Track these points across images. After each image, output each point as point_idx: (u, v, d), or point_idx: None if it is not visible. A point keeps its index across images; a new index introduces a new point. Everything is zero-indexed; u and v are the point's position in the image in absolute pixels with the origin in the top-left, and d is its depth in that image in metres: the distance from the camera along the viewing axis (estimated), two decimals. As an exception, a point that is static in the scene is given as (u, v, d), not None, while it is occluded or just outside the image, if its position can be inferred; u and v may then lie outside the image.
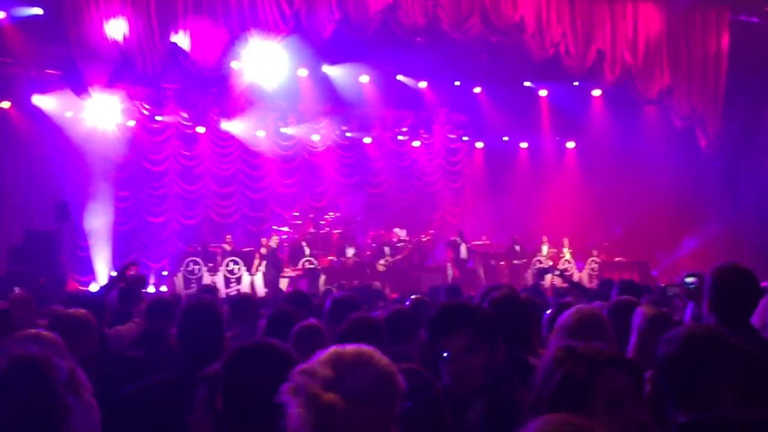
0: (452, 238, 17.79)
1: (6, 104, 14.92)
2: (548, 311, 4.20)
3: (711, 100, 16.51)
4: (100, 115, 15.89)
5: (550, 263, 17.51)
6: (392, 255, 17.06)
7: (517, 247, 18.16)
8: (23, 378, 2.01)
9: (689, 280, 3.70)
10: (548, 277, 15.04)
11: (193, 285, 15.13)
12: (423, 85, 18.76)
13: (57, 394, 2.04)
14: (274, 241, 16.35)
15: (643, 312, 3.51)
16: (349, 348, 1.70)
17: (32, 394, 1.99)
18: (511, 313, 3.30)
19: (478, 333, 2.61)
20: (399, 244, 17.43)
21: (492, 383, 2.49)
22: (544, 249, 18.34)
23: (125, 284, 6.17)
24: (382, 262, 16.85)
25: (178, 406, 2.81)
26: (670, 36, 16.13)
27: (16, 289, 9.35)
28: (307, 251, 16.62)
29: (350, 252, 16.97)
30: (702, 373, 2.21)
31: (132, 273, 6.31)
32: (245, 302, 5.19)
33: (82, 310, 3.93)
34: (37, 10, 13.02)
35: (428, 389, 2.53)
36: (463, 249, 17.59)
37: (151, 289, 15.88)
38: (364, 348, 1.72)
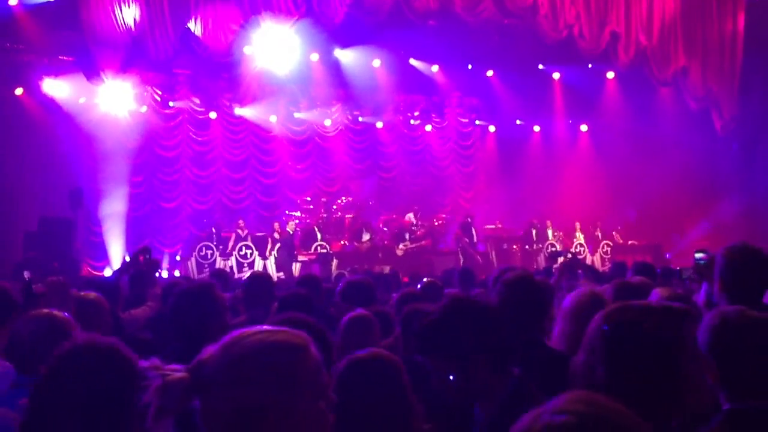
0: (464, 220, 17.73)
1: (19, 91, 14.98)
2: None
3: (726, 81, 16.36)
4: (112, 101, 15.91)
5: (559, 247, 17.43)
6: (411, 241, 17.06)
7: (535, 232, 18.07)
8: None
9: (699, 255, 3.68)
10: (560, 260, 14.96)
11: (206, 269, 15.20)
12: (435, 68, 18.68)
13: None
14: (290, 226, 16.39)
15: (660, 293, 3.49)
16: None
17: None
18: (525, 295, 3.29)
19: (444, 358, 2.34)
20: (414, 228, 17.43)
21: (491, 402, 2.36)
22: (549, 233, 18.24)
23: (138, 269, 6.18)
24: (401, 246, 16.86)
25: None
26: (685, 17, 15.96)
27: (26, 274, 9.44)
28: (319, 236, 16.64)
29: (366, 236, 16.97)
30: (757, 362, 2.21)
31: (144, 258, 6.29)
32: (260, 284, 5.14)
33: (94, 294, 3.95)
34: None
35: (392, 378, 2.41)
36: (474, 232, 17.56)
37: (164, 273, 15.99)
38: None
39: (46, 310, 2.87)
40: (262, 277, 5.58)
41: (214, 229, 16.54)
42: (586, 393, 1.13)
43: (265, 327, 1.58)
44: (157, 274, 7.04)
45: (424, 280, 5.87)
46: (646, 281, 4.34)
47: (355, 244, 16.95)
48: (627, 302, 1.89)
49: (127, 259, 15.60)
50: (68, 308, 3.41)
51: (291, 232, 16.30)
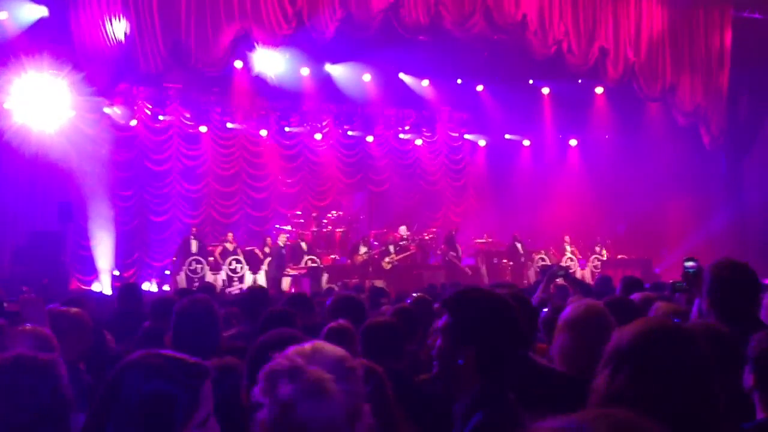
0: (447, 235, 17.74)
1: (8, 104, 14.90)
2: (545, 310, 4.18)
3: (714, 97, 16.49)
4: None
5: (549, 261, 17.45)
6: (397, 253, 17.04)
7: (519, 245, 18.12)
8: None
9: (688, 264, 3.69)
10: (559, 281, 14.94)
11: (195, 284, 15.13)
12: (425, 83, 18.76)
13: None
14: (282, 240, 16.34)
15: (659, 307, 3.51)
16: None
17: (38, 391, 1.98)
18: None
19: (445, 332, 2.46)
20: (402, 242, 17.42)
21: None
22: (567, 249, 18.33)
23: (126, 283, 6.16)
24: (387, 260, 16.84)
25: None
26: (673, 33, 16.10)
27: (25, 288, 9.38)
28: (305, 248, 16.59)
29: (363, 250, 16.93)
30: None
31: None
32: (256, 298, 5.13)
33: (76, 309, 3.94)
34: (42, 10, 13.02)
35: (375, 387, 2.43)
36: (459, 247, 17.58)
37: (153, 287, 15.92)
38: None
39: (29, 327, 2.85)
40: (260, 290, 5.57)
41: (193, 238, 16.27)
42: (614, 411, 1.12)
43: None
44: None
45: (414, 295, 5.86)
46: (649, 296, 4.37)
47: (355, 257, 16.89)
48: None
49: (116, 273, 15.61)
50: (42, 325, 3.38)
51: (282, 245, 16.25)
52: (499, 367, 2.39)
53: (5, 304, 4.21)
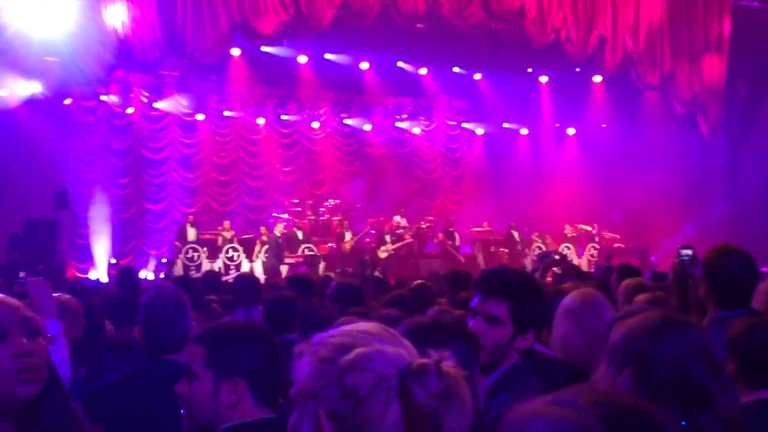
0: (445, 224, 17.75)
1: (5, 92, 14.84)
2: None
3: (712, 85, 16.45)
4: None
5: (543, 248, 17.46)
6: (393, 242, 17.04)
7: (516, 233, 18.11)
8: None
9: (684, 252, 3.65)
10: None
11: (192, 271, 15.13)
12: (423, 71, 18.69)
13: None
14: (279, 229, 16.33)
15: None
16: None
17: None
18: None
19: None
20: (399, 231, 17.41)
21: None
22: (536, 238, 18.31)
23: (125, 268, 6.15)
24: (383, 248, 16.84)
25: (142, 401, 2.76)
26: (672, 21, 16.05)
27: (21, 274, 9.35)
28: (300, 236, 16.57)
29: (348, 237, 16.95)
30: None
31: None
32: (248, 285, 5.12)
33: (68, 296, 3.94)
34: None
35: None
36: (457, 236, 17.58)
37: (150, 275, 15.90)
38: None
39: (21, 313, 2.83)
40: (248, 278, 5.55)
41: (190, 226, 16.23)
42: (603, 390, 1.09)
43: None
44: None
45: (418, 282, 5.84)
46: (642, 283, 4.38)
47: (340, 245, 16.94)
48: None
49: (113, 261, 15.59)
50: (49, 308, 3.37)
51: (279, 234, 16.24)
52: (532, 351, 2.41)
53: (15, 286, 4.21)
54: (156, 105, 17.43)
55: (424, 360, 1.34)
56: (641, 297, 3.68)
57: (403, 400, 1.32)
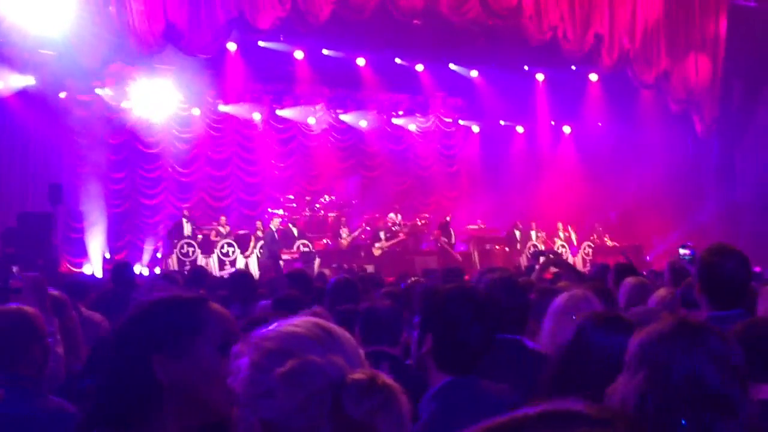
0: (442, 221, 17.74)
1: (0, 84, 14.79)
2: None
3: (708, 84, 16.49)
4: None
5: (543, 247, 17.48)
6: (387, 239, 17.03)
7: (518, 233, 18.10)
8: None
9: (683, 252, 3.65)
10: (542, 259, 15.00)
11: (186, 266, 15.09)
12: (420, 68, 18.68)
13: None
14: (274, 224, 16.31)
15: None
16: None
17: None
18: (507, 296, 3.28)
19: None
20: (394, 228, 17.41)
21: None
22: (533, 234, 18.27)
23: (118, 263, 6.13)
24: (378, 245, 16.84)
25: None
26: (669, 20, 16.07)
27: (15, 269, 9.31)
28: (296, 232, 16.56)
29: (344, 233, 16.96)
30: None
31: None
32: (243, 282, 5.12)
33: (56, 292, 3.95)
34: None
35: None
36: (452, 232, 17.58)
37: (145, 271, 15.87)
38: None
39: (15, 306, 2.83)
40: (244, 274, 5.54)
41: (185, 221, 16.20)
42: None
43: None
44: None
45: (412, 279, 5.84)
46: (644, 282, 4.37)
47: (336, 241, 16.95)
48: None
49: (108, 256, 15.56)
50: (43, 304, 3.37)
51: (274, 230, 16.21)
52: (458, 362, 2.36)
53: (10, 281, 4.22)
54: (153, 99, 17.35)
55: (358, 375, 1.34)
56: (661, 292, 3.64)
57: (335, 414, 1.32)
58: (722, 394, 1.63)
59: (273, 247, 15.86)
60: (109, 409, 1.53)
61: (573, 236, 18.59)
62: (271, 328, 1.41)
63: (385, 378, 1.36)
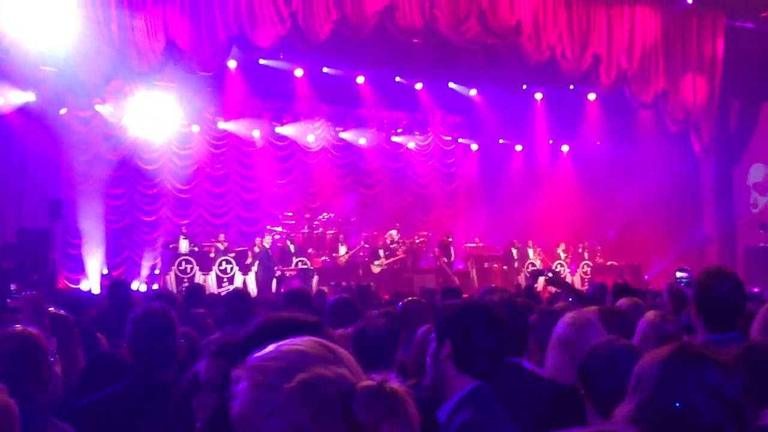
0: (443, 239, 17.74)
1: (0, 100, 14.83)
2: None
3: (706, 104, 16.57)
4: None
5: (540, 265, 17.47)
6: (387, 257, 17.03)
7: (515, 251, 18.10)
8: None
9: (680, 275, 3.66)
10: (541, 279, 15.00)
11: (185, 284, 15.07)
12: (419, 86, 18.76)
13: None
14: (267, 241, 16.30)
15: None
16: None
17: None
18: (507, 319, 3.27)
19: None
20: (393, 246, 17.41)
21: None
22: (530, 252, 18.28)
23: (115, 280, 6.13)
24: (377, 263, 16.83)
25: (131, 418, 2.77)
26: (666, 40, 16.18)
27: (13, 286, 9.31)
28: (293, 249, 16.55)
29: (342, 251, 16.96)
30: None
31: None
32: (240, 300, 5.11)
33: (62, 311, 3.95)
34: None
35: None
36: (452, 251, 17.58)
37: (142, 287, 15.84)
38: None
39: (20, 327, 2.84)
40: (241, 293, 5.53)
41: (183, 238, 16.22)
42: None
43: None
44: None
45: (409, 299, 5.82)
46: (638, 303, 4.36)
47: (333, 256, 16.96)
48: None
49: (105, 272, 15.54)
50: (42, 323, 3.38)
51: (268, 246, 16.18)
52: (479, 365, 2.40)
53: (8, 300, 4.23)
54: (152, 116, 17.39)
55: (367, 382, 1.33)
56: (650, 315, 3.66)
57: (346, 423, 1.30)
58: (712, 426, 1.58)
59: (268, 264, 15.86)
60: None
61: (562, 258, 18.56)
62: (269, 349, 1.41)
63: (393, 384, 1.36)
